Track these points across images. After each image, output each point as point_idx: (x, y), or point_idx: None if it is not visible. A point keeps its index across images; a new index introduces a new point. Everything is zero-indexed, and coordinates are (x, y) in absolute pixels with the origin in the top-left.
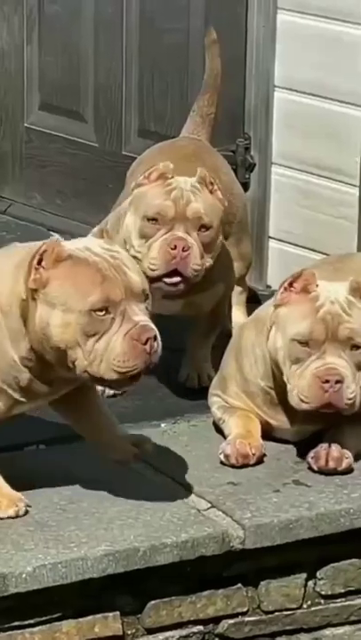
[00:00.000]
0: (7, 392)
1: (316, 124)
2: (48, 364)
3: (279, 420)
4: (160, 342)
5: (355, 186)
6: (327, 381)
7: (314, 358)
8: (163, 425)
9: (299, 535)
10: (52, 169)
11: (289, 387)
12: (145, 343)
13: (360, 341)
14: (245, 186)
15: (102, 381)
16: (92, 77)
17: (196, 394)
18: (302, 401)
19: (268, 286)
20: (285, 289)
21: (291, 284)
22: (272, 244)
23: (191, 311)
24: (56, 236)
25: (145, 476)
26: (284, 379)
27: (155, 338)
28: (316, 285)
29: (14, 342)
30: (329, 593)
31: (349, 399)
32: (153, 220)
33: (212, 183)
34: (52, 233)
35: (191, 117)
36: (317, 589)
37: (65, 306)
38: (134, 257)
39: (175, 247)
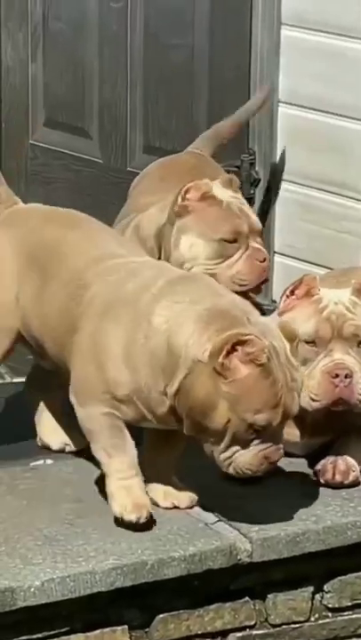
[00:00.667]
0: (142, 412)
1: (320, 138)
2: None
3: (288, 433)
4: None
5: (359, 200)
6: (337, 376)
7: (322, 357)
8: None
9: (306, 548)
10: (57, 185)
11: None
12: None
13: None
14: (250, 201)
15: None
16: (96, 94)
17: None
18: (313, 400)
19: (274, 301)
20: (288, 296)
21: (292, 292)
22: (277, 258)
23: None
24: None
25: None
26: None
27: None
28: (319, 290)
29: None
30: (336, 606)
31: (360, 394)
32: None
33: None
34: None
35: (203, 136)
36: (324, 602)
37: None
38: None
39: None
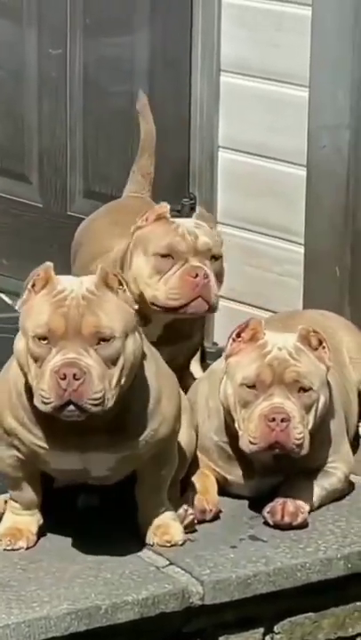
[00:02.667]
0: None
1: (260, 183)
2: None
3: (235, 475)
4: None
5: (300, 244)
6: (273, 420)
7: (261, 400)
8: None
9: (257, 590)
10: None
11: (240, 433)
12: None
13: (307, 384)
14: None
15: None
16: (36, 140)
17: None
18: (251, 442)
19: (215, 343)
20: (234, 340)
21: (238, 335)
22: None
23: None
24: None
25: (103, 532)
26: (236, 426)
27: None
28: (264, 334)
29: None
30: None
31: (297, 439)
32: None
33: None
34: None
35: (132, 178)
36: None
37: None
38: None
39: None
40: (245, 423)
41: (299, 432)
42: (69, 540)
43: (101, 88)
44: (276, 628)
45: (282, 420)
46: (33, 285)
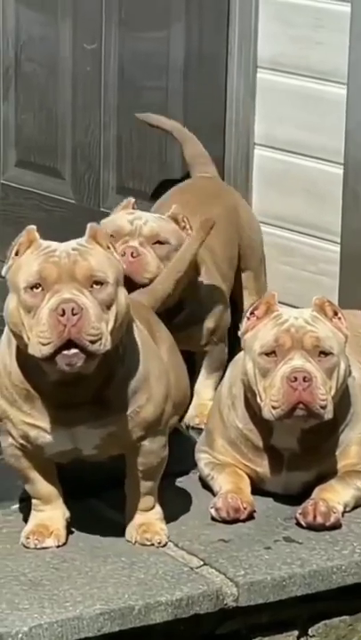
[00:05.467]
0: None
1: (296, 181)
2: None
3: (265, 467)
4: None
5: (336, 243)
6: (295, 379)
7: (281, 365)
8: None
9: (292, 592)
10: (28, 225)
11: (262, 404)
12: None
13: (327, 347)
14: None
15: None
16: (69, 135)
17: (179, 449)
18: (274, 407)
19: None
20: (248, 318)
21: (252, 312)
22: None
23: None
24: None
25: None
26: (258, 401)
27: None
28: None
29: None
30: None
31: (321, 399)
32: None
33: None
34: None
35: (191, 165)
36: None
37: None
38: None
39: None
40: (267, 391)
41: (322, 393)
42: (102, 539)
43: (136, 83)
44: (310, 631)
45: (304, 380)
46: (17, 253)
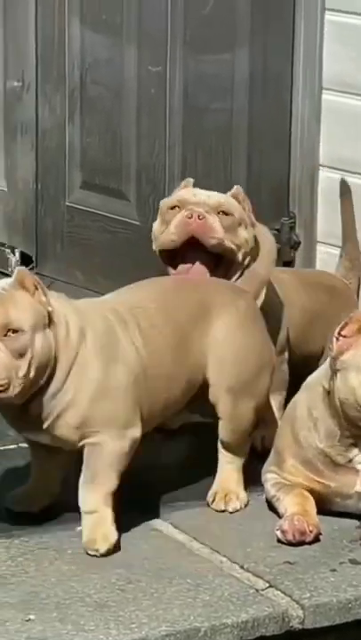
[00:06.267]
0: None
1: None
2: None
3: (340, 482)
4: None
5: None
6: None
7: None
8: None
9: (358, 615)
10: (93, 247)
11: None
12: None
13: None
14: (290, 264)
15: None
16: (134, 157)
17: (247, 473)
18: None
19: None
20: (337, 339)
21: (340, 333)
22: None
23: None
24: None
25: (200, 555)
26: None
27: None
28: None
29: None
30: None
31: None
32: None
33: None
34: None
35: (340, 261)
36: None
37: None
38: None
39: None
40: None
41: None
42: (167, 560)
43: (201, 105)
44: None
45: None
46: None
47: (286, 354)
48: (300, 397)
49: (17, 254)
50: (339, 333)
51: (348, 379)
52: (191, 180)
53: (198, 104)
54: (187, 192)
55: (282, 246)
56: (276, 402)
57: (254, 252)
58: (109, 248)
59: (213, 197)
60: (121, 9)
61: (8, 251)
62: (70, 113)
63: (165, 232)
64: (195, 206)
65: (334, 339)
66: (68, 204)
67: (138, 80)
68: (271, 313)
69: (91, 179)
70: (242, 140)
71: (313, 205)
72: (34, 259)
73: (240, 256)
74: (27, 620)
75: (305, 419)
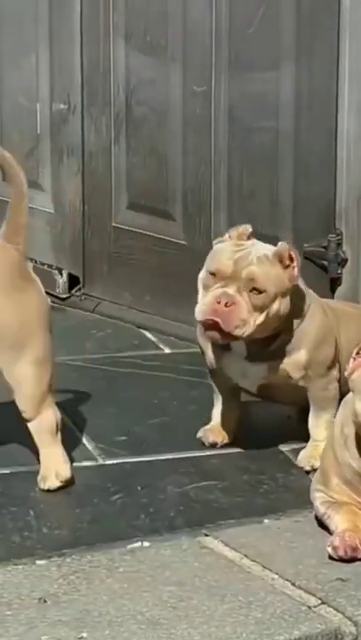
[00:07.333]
0: None
1: None
2: None
3: None
4: None
5: None
6: None
7: None
8: (266, 521)
9: None
10: (140, 267)
11: None
12: None
13: None
14: (338, 281)
15: None
16: (180, 178)
17: (297, 490)
18: None
19: None
20: (354, 359)
21: (358, 353)
22: None
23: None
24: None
25: (252, 573)
26: None
27: None
28: None
29: None
30: None
31: None
32: None
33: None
34: (142, 330)
35: None
36: None
37: None
38: None
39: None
40: None
41: None
42: (218, 577)
43: (246, 124)
44: None
45: None
46: None
47: (335, 372)
48: (338, 414)
49: (64, 276)
50: (357, 353)
51: (355, 401)
52: (249, 229)
53: (244, 124)
54: (227, 253)
55: (329, 263)
56: (321, 420)
57: (297, 309)
58: (156, 268)
59: (250, 271)
60: (165, 30)
61: (56, 272)
62: (116, 134)
63: (200, 301)
64: (228, 282)
65: (352, 359)
66: (114, 224)
67: (183, 100)
68: (306, 331)
69: (137, 199)
70: (288, 159)
71: (360, 222)
72: (81, 280)
73: (268, 330)
74: (80, 639)
75: (338, 436)
